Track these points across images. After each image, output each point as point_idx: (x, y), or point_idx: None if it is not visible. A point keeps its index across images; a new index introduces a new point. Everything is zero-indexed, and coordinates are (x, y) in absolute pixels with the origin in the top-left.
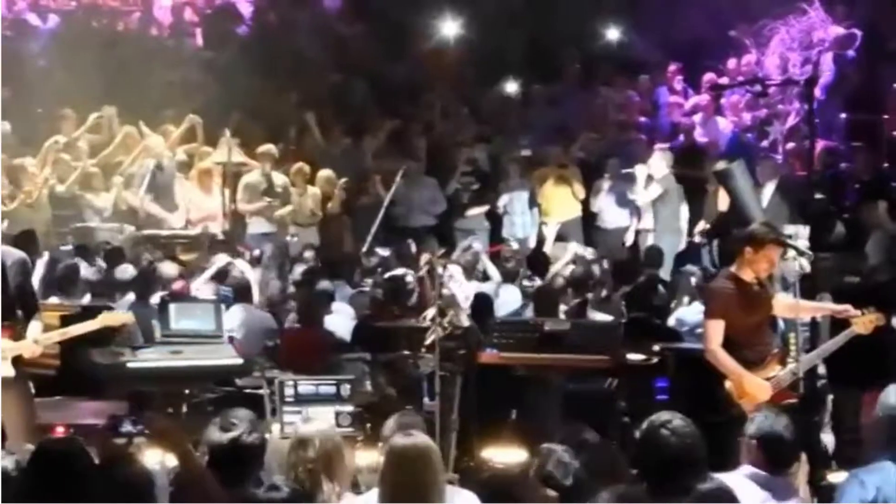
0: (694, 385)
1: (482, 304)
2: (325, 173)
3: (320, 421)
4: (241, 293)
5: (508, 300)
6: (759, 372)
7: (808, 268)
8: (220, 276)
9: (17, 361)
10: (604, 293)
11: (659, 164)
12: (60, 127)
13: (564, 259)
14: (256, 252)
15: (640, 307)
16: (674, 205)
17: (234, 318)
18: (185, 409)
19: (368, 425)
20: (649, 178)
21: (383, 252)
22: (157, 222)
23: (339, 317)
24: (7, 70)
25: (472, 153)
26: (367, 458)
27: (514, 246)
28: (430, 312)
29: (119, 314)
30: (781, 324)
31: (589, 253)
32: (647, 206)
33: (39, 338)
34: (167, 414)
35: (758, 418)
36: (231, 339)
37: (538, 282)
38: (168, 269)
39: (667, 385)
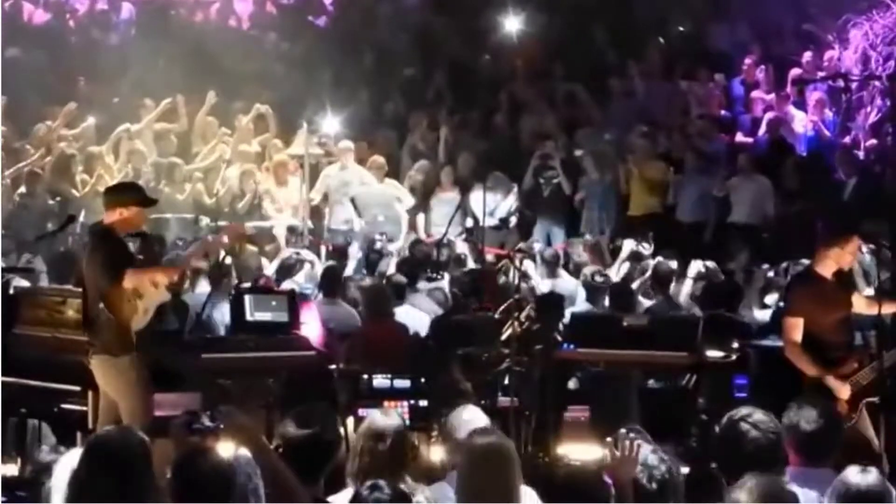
0: (774, 383)
1: (552, 301)
2: (421, 165)
3: (396, 416)
4: (328, 287)
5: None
6: (838, 370)
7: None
8: (285, 270)
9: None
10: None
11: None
12: (140, 117)
13: (621, 256)
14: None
15: (715, 304)
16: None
17: (319, 311)
18: (259, 401)
19: (443, 420)
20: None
21: (458, 247)
22: None
23: (415, 311)
24: (85, 60)
25: (548, 147)
26: (441, 452)
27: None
28: (506, 307)
29: None
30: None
31: (646, 249)
32: None
33: None
34: (242, 407)
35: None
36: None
37: (612, 277)
38: (250, 260)
39: (746, 382)
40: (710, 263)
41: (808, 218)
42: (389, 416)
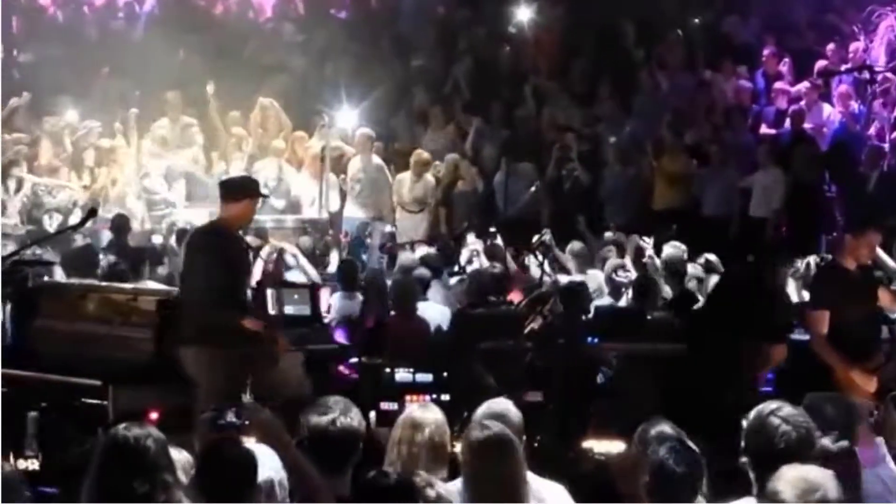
0: (801, 377)
1: (576, 294)
2: (450, 158)
3: (435, 409)
4: (346, 281)
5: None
6: (865, 363)
7: None
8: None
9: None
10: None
11: None
12: (163, 110)
13: (628, 251)
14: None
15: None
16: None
17: (338, 305)
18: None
19: (465, 414)
20: None
21: (473, 242)
22: None
23: (437, 305)
24: (105, 53)
25: (568, 139)
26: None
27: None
28: (529, 300)
29: None
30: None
31: (649, 244)
32: None
33: None
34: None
35: None
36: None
37: (633, 272)
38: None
39: (773, 377)
40: (712, 256)
41: (827, 211)
42: (428, 409)
